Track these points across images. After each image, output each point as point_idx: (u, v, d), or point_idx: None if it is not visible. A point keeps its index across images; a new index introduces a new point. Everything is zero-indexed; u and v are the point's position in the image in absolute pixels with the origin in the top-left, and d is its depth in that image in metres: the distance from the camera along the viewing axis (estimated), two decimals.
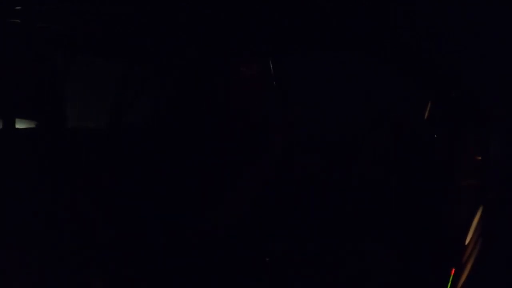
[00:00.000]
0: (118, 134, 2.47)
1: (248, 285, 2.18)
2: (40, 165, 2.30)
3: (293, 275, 2.26)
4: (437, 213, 2.28)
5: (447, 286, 2.22)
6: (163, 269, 2.09)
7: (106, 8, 2.23)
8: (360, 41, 2.24)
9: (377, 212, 2.27)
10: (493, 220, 2.23)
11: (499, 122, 2.25)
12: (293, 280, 2.26)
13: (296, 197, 2.22)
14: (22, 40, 2.25)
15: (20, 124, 2.38)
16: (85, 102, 2.50)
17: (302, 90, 2.25)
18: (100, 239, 2.32)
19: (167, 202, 2.10)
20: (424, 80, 2.35)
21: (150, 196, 2.14)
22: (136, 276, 2.17)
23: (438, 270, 2.25)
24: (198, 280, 2.05)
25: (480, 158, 2.29)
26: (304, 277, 2.26)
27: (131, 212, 2.22)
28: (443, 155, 2.32)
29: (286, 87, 2.18)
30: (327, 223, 2.30)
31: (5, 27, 2.22)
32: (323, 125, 2.27)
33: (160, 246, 2.11)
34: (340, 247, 2.26)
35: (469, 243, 2.25)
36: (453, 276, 2.23)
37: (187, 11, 2.19)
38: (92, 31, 2.30)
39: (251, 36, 2.20)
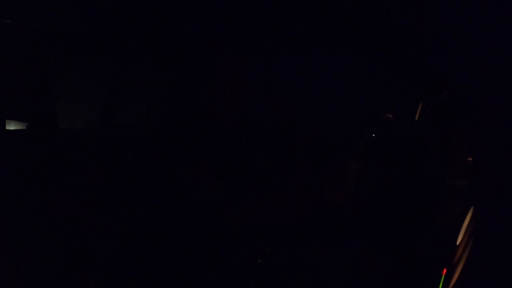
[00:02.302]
0: (111, 135, 2.47)
1: (240, 287, 2.17)
2: (32, 167, 2.30)
3: (285, 276, 2.25)
4: (429, 213, 2.28)
5: (438, 286, 2.22)
6: (155, 269, 2.09)
7: (99, 7, 2.24)
8: (353, 41, 2.26)
9: (368, 212, 2.28)
10: (485, 220, 2.23)
11: (490, 122, 2.26)
12: (285, 281, 2.25)
13: (290, 197, 2.22)
14: (14, 40, 2.25)
15: (11, 125, 2.37)
16: (78, 102, 2.50)
17: (296, 89, 2.26)
18: (93, 240, 2.32)
19: (161, 203, 2.10)
20: (416, 80, 2.36)
21: (144, 197, 2.13)
22: (130, 276, 2.17)
23: (430, 270, 2.25)
24: (189, 281, 2.04)
25: (471, 158, 2.30)
26: (296, 278, 2.26)
27: (125, 213, 2.22)
28: (434, 155, 2.33)
29: (281, 86, 2.19)
30: (319, 224, 2.30)
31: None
32: (315, 124, 2.28)
33: (152, 247, 2.11)
34: (332, 247, 2.26)
35: (460, 243, 2.25)
36: (445, 276, 2.23)
37: (180, 11, 2.20)
38: (85, 30, 2.31)
39: (248, 36, 2.21)
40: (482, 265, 2.19)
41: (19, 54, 2.27)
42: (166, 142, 2.08)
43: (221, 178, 1.99)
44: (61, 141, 2.42)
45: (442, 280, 2.23)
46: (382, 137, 2.02)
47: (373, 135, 1.97)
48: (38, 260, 2.23)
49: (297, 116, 2.22)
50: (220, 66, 2.04)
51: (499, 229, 2.19)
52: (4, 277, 2.14)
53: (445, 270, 2.23)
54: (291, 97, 2.22)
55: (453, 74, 2.30)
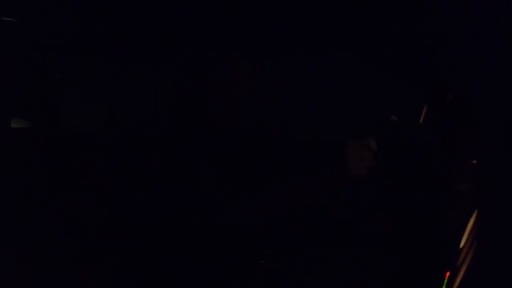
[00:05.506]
0: (113, 135, 2.47)
1: None
2: (35, 166, 2.30)
3: (287, 278, 2.26)
4: (432, 217, 2.28)
5: None
6: (157, 270, 2.09)
7: (100, 9, 2.24)
8: (357, 42, 2.26)
9: (371, 216, 2.28)
10: (488, 224, 2.23)
11: (495, 126, 2.26)
12: (288, 282, 2.26)
13: (290, 200, 2.22)
14: (17, 41, 2.26)
15: (15, 124, 2.38)
16: (81, 103, 2.51)
17: (296, 90, 2.26)
18: (95, 240, 2.32)
19: (164, 203, 2.10)
20: (421, 83, 2.36)
21: (147, 197, 2.14)
22: (132, 276, 2.17)
23: (433, 274, 2.25)
24: (191, 281, 2.04)
25: (475, 162, 2.30)
26: (298, 280, 2.26)
27: (128, 213, 2.23)
28: (438, 159, 2.32)
29: (281, 87, 2.19)
30: (323, 226, 2.31)
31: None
32: (317, 126, 2.28)
33: (154, 247, 2.11)
34: (335, 250, 2.26)
35: (463, 246, 2.25)
36: (448, 279, 2.23)
37: (184, 11, 2.20)
38: (86, 32, 2.31)
39: (248, 36, 2.21)
40: (486, 269, 2.18)
41: (22, 54, 2.28)
42: (171, 143, 2.08)
43: (224, 178, 2.00)
44: (65, 140, 2.43)
45: (445, 284, 2.22)
46: (386, 140, 2.02)
47: (377, 137, 1.97)
48: (39, 260, 2.24)
49: (302, 118, 2.22)
50: (222, 68, 2.05)
51: (503, 232, 2.18)
52: (4, 277, 2.15)
53: (448, 274, 2.23)
54: (297, 99, 2.22)
55: (459, 77, 2.30)
